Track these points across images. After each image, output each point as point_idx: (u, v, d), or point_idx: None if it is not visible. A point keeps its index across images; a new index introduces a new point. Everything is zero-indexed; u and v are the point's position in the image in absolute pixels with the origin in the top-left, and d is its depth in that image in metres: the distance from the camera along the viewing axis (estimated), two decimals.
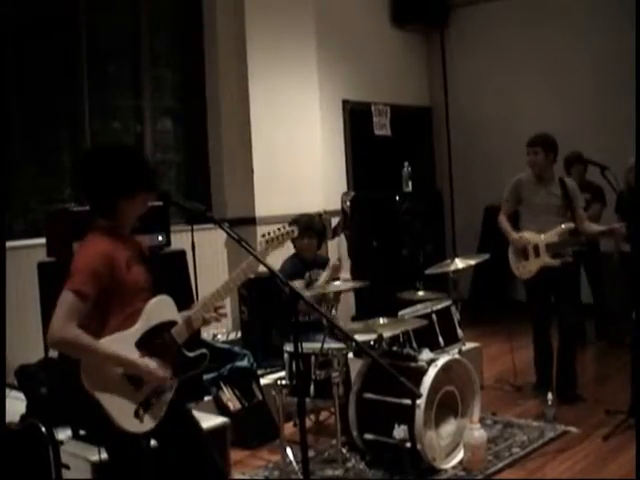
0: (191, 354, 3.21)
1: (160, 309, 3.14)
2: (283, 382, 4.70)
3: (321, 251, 6.07)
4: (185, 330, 3.16)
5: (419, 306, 5.58)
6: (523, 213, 6.06)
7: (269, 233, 3.32)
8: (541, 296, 5.99)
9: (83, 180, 3.17)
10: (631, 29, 6.99)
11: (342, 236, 8.43)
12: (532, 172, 5.97)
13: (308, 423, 5.21)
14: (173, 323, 3.15)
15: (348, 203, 8.39)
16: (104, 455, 3.68)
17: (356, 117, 9.39)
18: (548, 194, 5.91)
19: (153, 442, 3.27)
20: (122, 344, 2.99)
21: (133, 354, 3.01)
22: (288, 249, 5.76)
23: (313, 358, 4.62)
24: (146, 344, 3.04)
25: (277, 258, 5.24)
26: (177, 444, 3.20)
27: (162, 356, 3.07)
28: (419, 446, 4.46)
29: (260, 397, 5.41)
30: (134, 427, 2.99)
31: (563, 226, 5.78)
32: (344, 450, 4.65)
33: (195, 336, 3.33)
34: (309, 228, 5.73)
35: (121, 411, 2.97)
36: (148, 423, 3.03)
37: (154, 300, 3.13)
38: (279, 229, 3.34)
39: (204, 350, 3.26)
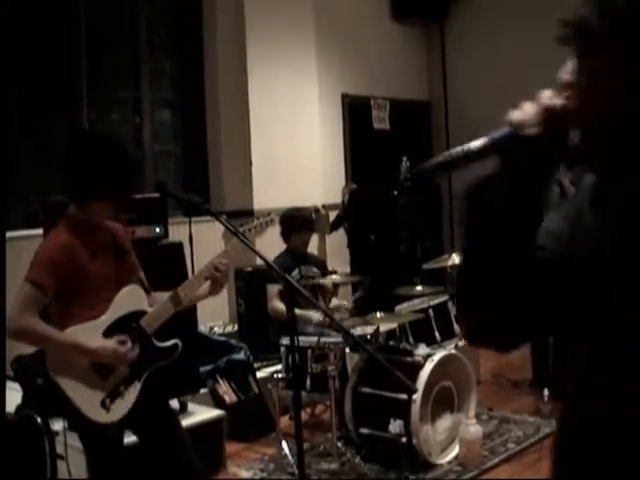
0: (162, 344, 3.19)
1: (130, 299, 3.13)
2: (279, 375, 4.70)
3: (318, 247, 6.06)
4: (155, 320, 3.13)
5: (416, 301, 5.58)
6: None
7: (245, 224, 3.32)
8: None
9: (65, 165, 3.16)
10: None
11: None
12: None
13: (304, 416, 5.21)
14: (143, 313, 3.14)
15: (347, 196, 8.39)
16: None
17: (355, 111, 9.37)
18: None
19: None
20: (89, 334, 2.98)
21: (99, 343, 3.00)
22: (280, 246, 5.76)
23: (309, 352, 4.62)
24: (114, 334, 3.04)
25: (270, 255, 5.24)
26: (153, 439, 3.18)
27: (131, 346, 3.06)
28: (415, 441, 4.46)
29: (256, 390, 5.41)
30: (100, 417, 2.98)
31: None
32: (339, 444, 4.65)
33: (192, 329, 3.32)
34: (304, 224, 5.73)
35: (87, 401, 2.96)
36: (115, 413, 3.02)
37: (124, 290, 3.12)
38: (257, 218, 3.35)
39: (176, 340, 3.24)
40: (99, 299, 3.05)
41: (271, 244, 5.56)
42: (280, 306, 5.50)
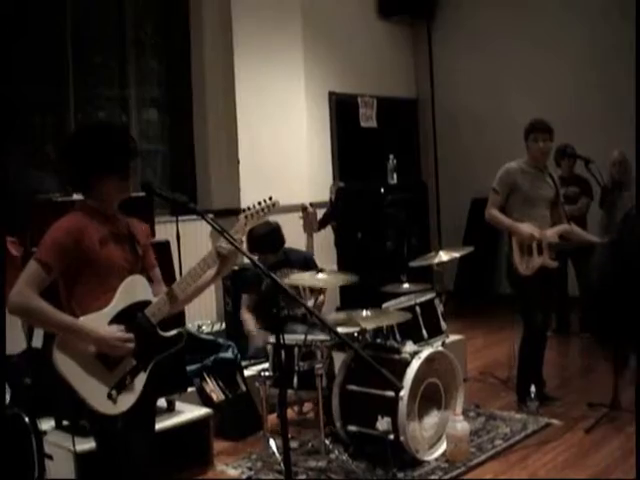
0: (167, 334, 3.19)
1: (134, 289, 3.11)
2: (267, 373, 4.70)
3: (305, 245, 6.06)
4: (161, 309, 3.12)
5: (403, 298, 5.59)
6: (517, 204, 5.51)
7: (249, 208, 3.31)
8: (538, 296, 5.46)
9: (65, 157, 3.17)
10: (620, 22, 7.00)
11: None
12: (536, 160, 5.54)
13: (292, 414, 5.22)
14: (147, 303, 3.13)
15: (334, 194, 8.40)
16: (84, 445, 3.69)
17: (342, 109, 9.39)
18: (547, 186, 5.58)
19: None
20: (95, 324, 2.97)
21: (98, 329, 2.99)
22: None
23: (296, 350, 4.63)
24: (119, 324, 3.03)
25: None
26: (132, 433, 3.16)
27: (136, 336, 3.05)
28: (402, 438, 4.47)
29: (244, 388, 5.41)
30: (107, 409, 2.97)
31: (565, 227, 5.52)
32: (327, 441, 4.66)
33: (179, 325, 3.32)
34: (258, 245, 5.66)
35: (93, 393, 2.94)
36: (122, 405, 3.01)
37: (127, 280, 3.09)
38: (259, 203, 3.34)
39: (181, 329, 3.23)
40: (109, 287, 3.04)
41: None
42: (248, 319, 5.77)
